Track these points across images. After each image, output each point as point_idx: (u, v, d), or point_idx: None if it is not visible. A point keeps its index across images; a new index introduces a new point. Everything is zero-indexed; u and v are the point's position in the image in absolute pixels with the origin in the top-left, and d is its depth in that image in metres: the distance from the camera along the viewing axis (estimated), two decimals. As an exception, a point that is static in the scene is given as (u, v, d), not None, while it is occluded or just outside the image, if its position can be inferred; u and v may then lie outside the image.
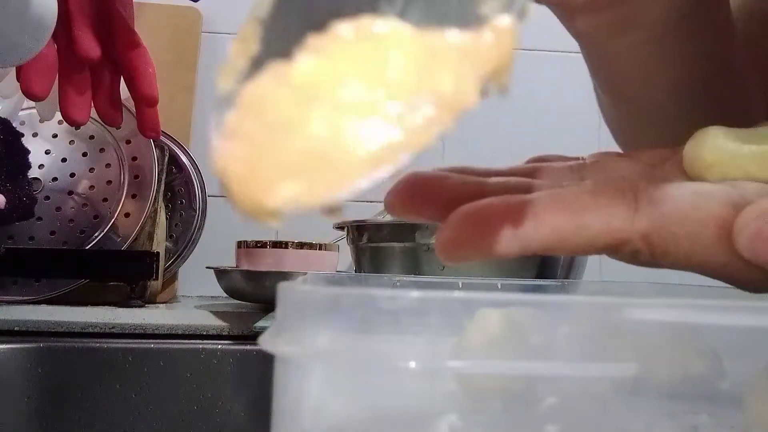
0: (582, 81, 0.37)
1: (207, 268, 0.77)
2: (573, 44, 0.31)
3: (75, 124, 0.61)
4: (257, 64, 0.18)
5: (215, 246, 0.88)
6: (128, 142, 0.82)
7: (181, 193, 0.89)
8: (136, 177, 0.80)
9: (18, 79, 0.58)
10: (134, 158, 0.81)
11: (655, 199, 0.18)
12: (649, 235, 0.18)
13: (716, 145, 0.23)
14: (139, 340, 0.58)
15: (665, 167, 0.23)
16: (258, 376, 0.58)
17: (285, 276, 0.68)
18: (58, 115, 0.61)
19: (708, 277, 0.19)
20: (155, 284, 0.79)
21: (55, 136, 0.82)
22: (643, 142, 0.36)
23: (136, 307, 0.74)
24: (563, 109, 1.04)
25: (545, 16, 0.30)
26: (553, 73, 1.05)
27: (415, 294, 0.19)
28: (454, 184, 0.21)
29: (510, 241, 0.18)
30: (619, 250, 0.19)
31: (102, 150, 0.82)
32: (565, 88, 0.99)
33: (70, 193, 0.79)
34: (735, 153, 0.23)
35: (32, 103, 0.67)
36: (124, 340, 0.57)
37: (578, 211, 0.18)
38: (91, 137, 0.82)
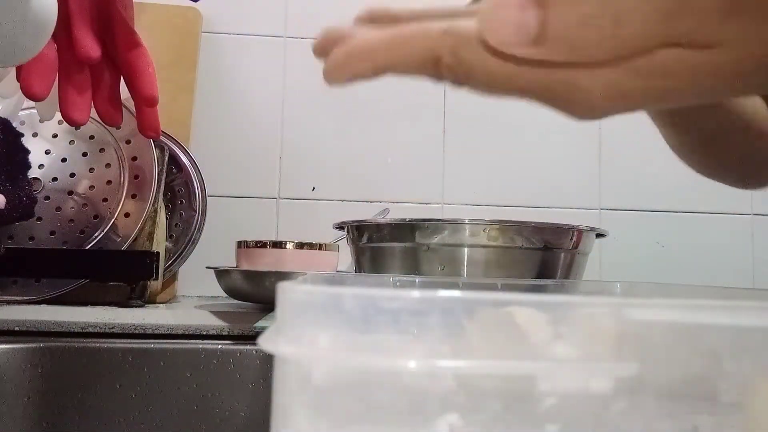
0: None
1: (207, 268, 0.77)
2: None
3: (75, 124, 0.61)
4: None
5: (215, 246, 0.88)
6: (128, 142, 0.82)
7: (181, 193, 0.89)
8: (136, 177, 0.80)
9: (18, 79, 0.58)
10: (134, 158, 0.81)
11: (455, 27, 0.25)
12: (454, 51, 0.25)
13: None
14: (139, 340, 0.58)
15: None
16: (258, 376, 0.58)
17: (285, 276, 0.68)
18: (58, 115, 0.61)
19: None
20: (155, 284, 0.79)
21: (55, 136, 0.82)
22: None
23: (136, 307, 0.74)
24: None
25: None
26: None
27: (415, 294, 0.19)
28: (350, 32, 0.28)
29: (373, 64, 0.26)
30: (438, 65, 0.25)
31: (102, 150, 0.82)
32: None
33: (70, 193, 0.79)
34: None
35: (32, 103, 0.67)
36: (124, 340, 0.57)
37: (408, 42, 0.26)
38: (91, 137, 0.82)
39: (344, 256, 0.83)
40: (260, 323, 0.61)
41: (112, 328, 0.58)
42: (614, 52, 0.23)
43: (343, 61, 0.27)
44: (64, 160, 0.81)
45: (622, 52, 0.23)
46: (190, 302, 0.85)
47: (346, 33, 0.28)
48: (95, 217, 0.78)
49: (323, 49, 0.29)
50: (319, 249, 0.77)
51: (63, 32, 0.58)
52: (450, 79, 0.26)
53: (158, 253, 0.76)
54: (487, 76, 0.25)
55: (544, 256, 0.69)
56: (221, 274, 0.74)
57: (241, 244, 0.77)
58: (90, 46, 0.59)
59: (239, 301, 0.77)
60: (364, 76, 0.27)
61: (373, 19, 0.29)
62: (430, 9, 0.29)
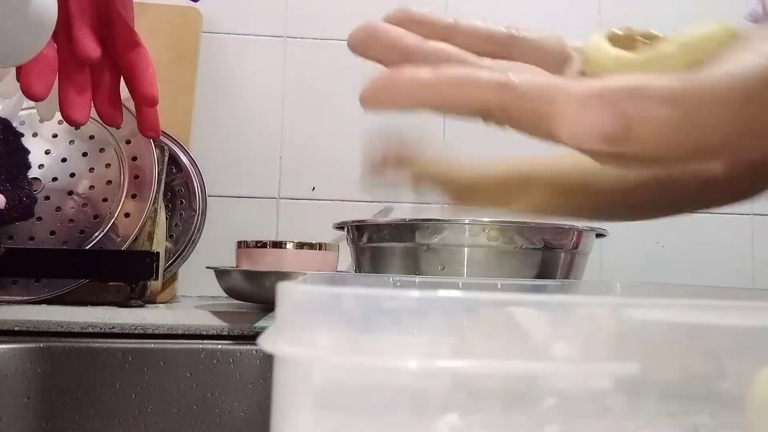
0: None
1: (207, 268, 0.77)
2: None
3: (75, 124, 0.61)
4: None
5: (215, 246, 0.88)
6: (128, 142, 0.82)
7: (181, 193, 0.89)
8: (136, 177, 0.80)
9: (18, 79, 0.58)
10: (134, 158, 0.81)
11: (521, 82, 0.24)
12: (510, 106, 0.24)
13: (595, 44, 0.28)
14: (139, 340, 0.58)
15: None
16: (258, 376, 0.58)
17: (285, 276, 0.68)
18: (58, 115, 0.61)
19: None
20: (155, 284, 0.79)
21: (55, 136, 0.82)
22: None
23: (136, 307, 0.74)
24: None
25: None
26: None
27: (415, 294, 0.19)
28: (397, 37, 0.28)
29: (413, 101, 0.25)
30: (489, 114, 0.25)
31: (102, 150, 0.82)
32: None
33: (70, 193, 0.79)
34: (628, 63, 0.27)
35: (32, 103, 0.67)
36: (124, 340, 0.57)
37: (461, 86, 0.24)
38: (91, 137, 0.82)
39: (344, 256, 0.83)
40: (260, 323, 0.61)
41: (112, 328, 0.58)
42: (685, 155, 0.24)
43: (387, 92, 0.25)
44: (64, 160, 0.81)
45: (694, 155, 0.24)
46: (190, 302, 0.85)
47: (392, 38, 0.28)
48: (95, 217, 0.78)
49: (365, 46, 0.28)
50: (319, 249, 0.77)
51: (63, 32, 0.58)
52: (494, 125, 0.26)
53: (158, 253, 0.76)
54: (534, 134, 0.25)
55: (544, 256, 0.69)
56: (221, 274, 0.74)
57: (241, 244, 0.77)
58: (90, 46, 0.59)
59: (239, 301, 0.77)
60: (404, 109, 0.26)
61: (409, 20, 0.29)
62: (470, 28, 0.29)
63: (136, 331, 0.58)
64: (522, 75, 0.24)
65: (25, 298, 0.75)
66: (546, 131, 0.24)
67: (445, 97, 0.25)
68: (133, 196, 0.79)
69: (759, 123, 0.23)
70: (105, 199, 0.79)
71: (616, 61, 0.27)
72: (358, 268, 0.76)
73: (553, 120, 0.23)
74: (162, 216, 0.81)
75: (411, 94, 0.25)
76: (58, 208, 0.78)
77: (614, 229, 0.86)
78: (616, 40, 0.28)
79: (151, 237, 0.79)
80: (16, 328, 0.57)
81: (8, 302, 0.73)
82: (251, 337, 0.59)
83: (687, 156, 0.24)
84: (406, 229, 0.69)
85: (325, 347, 0.19)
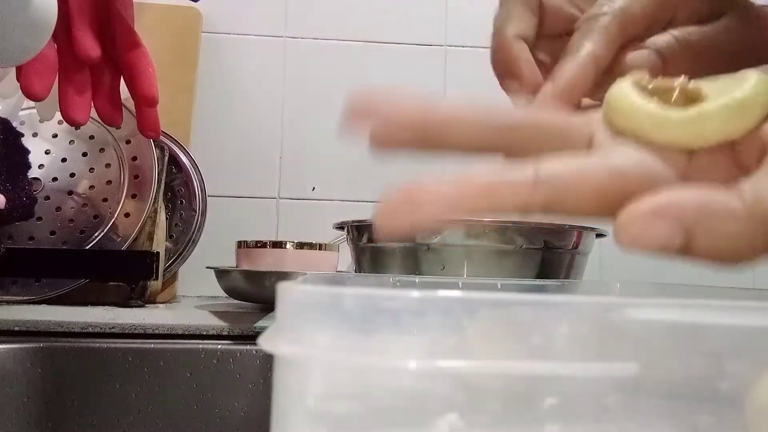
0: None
1: (207, 268, 0.77)
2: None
3: (75, 124, 0.61)
4: None
5: (215, 246, 0.88)
6: (128, 142, 0.82)
7: (181, 193, 0.89)
8: (136, 177, 0.80)
9: (18, 79, 0.58)
10: (134, 158, 0.81)
11: (550, 175, 0.22)
12: (545, 203, 0.22)
13: (624, 97, 0.24)
14: (139, 340, 0.58)
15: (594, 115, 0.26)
16: (258, 376, 0.58)
17: (285, 276, 0.68)
18: (58, 115, 0.61)
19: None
20: (155, 284, 0.79)
21: (55, 136, 0.82)
22: None
23: (136, 307, 0.74)
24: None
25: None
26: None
27: (415, 294, 0.19)
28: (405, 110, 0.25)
29: (440, 216, 0.22)
30: (527, 213, 0.22)
31: (102, 150, 0.82)
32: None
33: (70, 193, 0.79)
34: (636, 111, 0.24)
35: (32, 103, 0.67)
36: (124, 340, 0.57)
37: (487, 194, 0.22)
38: (91, 137, 0.82)
39: (344, 256, 0.83)
40: (260, 323, 0.61)
41: (112, 328, 0.58)
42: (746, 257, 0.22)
43: (406, 215, 0.22)
44: (64, 160, 0.81)
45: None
46: (190, 302, 0.85)
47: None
48: (95, 217, 0.78)
49: (358, 115, 0.25)
50: (319, 249, 0.77)
51: (63, 32, 0.58)
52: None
53: (158, 253, 0.76)
54: (580, 217, 0.23)
55: (544, 256, 0.69)
56: (221, 274, 0.74)
57: (241, 244, 0.77)
58: (90, 46, 0.59)
59: (239, 301, 0.77)
60: (430, 227, 0.24)
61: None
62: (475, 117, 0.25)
63: (136, 331, 0.58)
64: (557, 166, 0.22)
65: (25, 298, 0.75)
66: (596, 221, 0.22)
67: (476, 208, 0.22)
68: (133, 196, 0.79)
69: None
70: (105, 199, 0.79)
71: (649, 118, 0.23)
72: (358, 268, 0.76)
73: (618, 233, 0.21)
74: (162, 216, 0.81)
75: (435, 212, 0.22)
76: (58, 208, 0.78)
77: (614, 229, 0.86)
78: (643, 87, 0.25)
79: (151, 237, 0.79)
80: (16, 328, 0.57)
81: (8, 302, 0.73)
82: (251, 337, 0.59)
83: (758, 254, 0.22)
84: (406, 229, 0.69)
85: (325, 347, 0.19)
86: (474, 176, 0.22)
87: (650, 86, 0.24)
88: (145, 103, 0.63)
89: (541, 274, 0.68)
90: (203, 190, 0.89)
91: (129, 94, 0.63)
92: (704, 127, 0.23)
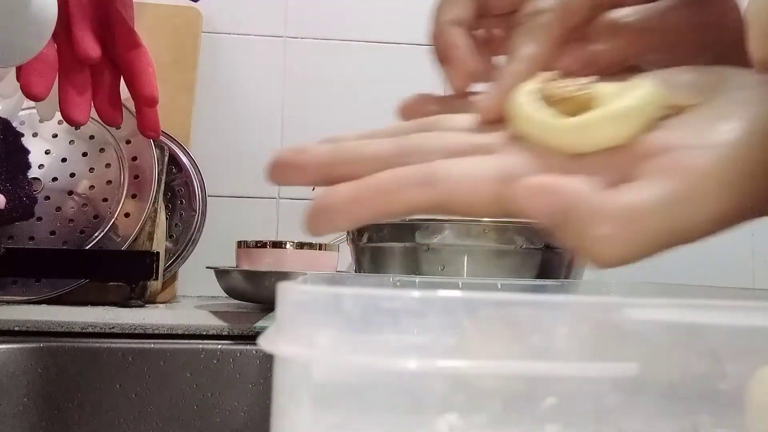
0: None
1: (207, 268, 0.77)
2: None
3: (75, 124, 0.61)
4: None
5: (215, 246, 0.88)
6: (128, 142, 0.82)
7: (181, 193, 0.89)
8: (136, 177, 0.80)
9: (18, 79, 0.58)
10: (134, 158, 0.81)
11: (441, 176, 0.23)
12: (437, 203, 0.23)
13: (518, 107, 0.26)
14: (139, 340, 0.58)
15: (490, 133, 0.27)
16: (258, 376, 0.58)
17: (285, 276, 0.68)
18: (58, 115, 0.61)
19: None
20: (155, 284, 0.79)
21: (55, 136, 0.82)
22: None
23: (136, 307, 0.74)
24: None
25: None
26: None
27: (415, 294, 0.19)
28: (310, 159, 0.26)
29: (347, 221, 0.24)
30: (423, 212, 0.24)
31: (102, 150, 0.82)
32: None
33: (70, 193, 0.79)
34: (528, 119, 0.25)
35: (32, 103, 0.67)
36: (124, 340, 0.57)
37: (382, 195, 0.24)
38: (91, 137, 0.82)
39: (344, 256, 0.83)
40: (260, 323, 0.61)
41: (112, 328, 0.58)
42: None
43: (324, 218, 0.25)
44: (64, 160, 0.81)
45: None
46: (190, 302, 0.85)
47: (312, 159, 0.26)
48: (95, 217, 0.78)
49: (281, 174, 0.27)
50: (319, 249, 0.77)
51: (63, 32, 0.58)
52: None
53: (158, 253, 0.76)
54: (473, 216, 0.24)
55: (544, 256, 0.69)
56: (221, 274, 0.74)
57: (241, 244, 0.77)
58: (90, 46, 0.59)
59: (239, 301, 0.77)
60: (348, 228, 0.26)
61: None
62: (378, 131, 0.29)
63: (136, 331, 0.58)
64: (449, 167, 0.24)
65: (25, 298, 0.75)
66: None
67: (376, 211, 0.24)
68: (133, 196, 0.79)
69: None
70: (105, 199, 0.79)
71: (537, 126, 0.25)
72: (358, 268, 0.76)
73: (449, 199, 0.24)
74: (162, 216, 0.81)
75: (341, 217, 0.24)
76: (58, 208, 0.78)
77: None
78: (541, 94, 0.26)
79: (151, 237, 0.79)
80: (16, 328, 0.57)
81: (8, 302, 0.73)
82: (251, 337, 0.59)
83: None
84: (406, 229, 0.69)
85: (325, 347, 0.19)
86: (371, 180, 0.24)
87: (546, 93, 0.26)
88: (145, 103, 0.63)
89: (541, 274, 0.68)
90: (203, 190, 0.89)
91: (129, 94, 0.63)
92: (587, 135, 0.24)
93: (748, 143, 0.22)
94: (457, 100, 0.31)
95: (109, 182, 0.80)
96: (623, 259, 0.21)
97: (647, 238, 0.21)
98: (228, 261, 0.80)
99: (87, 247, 0.76)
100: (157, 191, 0.80)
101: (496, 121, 0.27)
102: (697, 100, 0.25)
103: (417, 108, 0.31)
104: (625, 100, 0.24)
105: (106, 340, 0.57)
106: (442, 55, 0.32)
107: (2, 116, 0.72)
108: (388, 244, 0.71)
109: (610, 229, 0.20)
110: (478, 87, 0.31)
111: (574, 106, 0.25)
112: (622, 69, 0.31)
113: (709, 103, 0.24)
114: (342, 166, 0.26)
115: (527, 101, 0.26)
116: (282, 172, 0.26)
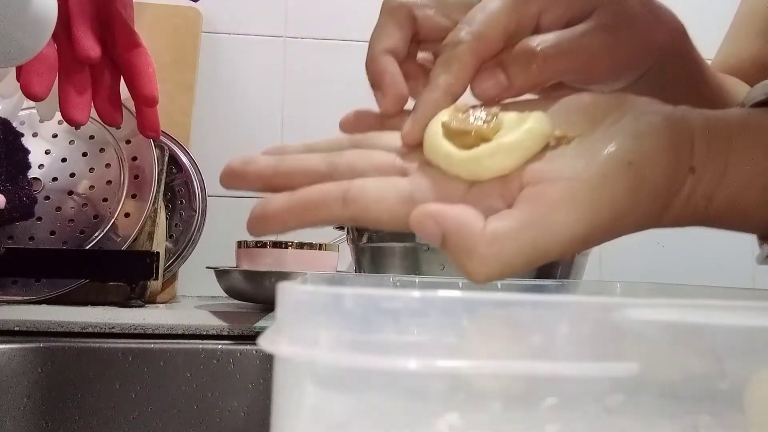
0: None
1: (207, 268, 0.77)
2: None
3: (75, 124, 0.61)
4: None
5: (215, 246, 0.88)
6: (128, 142, 0.82)
7: (181, 193, 0.89)
8: (136, 177, 0.80)
9: (18, 79, 0.58)
10: (134, 158, 0.81)
11: (357, 195, 0.27)
12: (353, 218, 0.27)
13: (429, 136, 0.29)
14: (139, 340, 0.58)
15: (411, 155, 0.30)
16: (258, 376, 0.58)
17: (285, 276, 0.68)
18: (58, 115, 0.61)
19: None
20: (155, 284, 0.79)
21: (55, 136, 0.82)
22: None
23: (136, 307, 0.74)
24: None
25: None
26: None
27: (415, 294, 0.19)
28: (256, 169, 0.30)
29: (279, 227, 0.28)
30: (343, 224, 0.28)
31: (102, 150, 0.82)
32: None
33: (70, 193, 0.79)
34: (436, 148, 0.28)
35: (32, 103, 0.67)
36: (124, 340, 0.57)
37: (308, 208, 0.27)
38: (91, 137, 0.82)
39: (344, 256, 0.83)
40: (260, 323, 0.61)
41: (112, 328, 0.58)
42: None
43: (261, 222, 0.29)
44: (64, 160, 0.81)
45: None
46: (190, 302, 0.85)
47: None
48: (95, 217, 0.78)
49: (230, 181, 0.30)
50: (319, 249, 0.77)
51: (63, 32, 0.58)
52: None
53: (158, 253, 0.76)
54: (379, 227, 0.28)
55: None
56: (221, 274, 0.74)
57: (241, 244, 0.77)
58: (90, 46, 0.59)
59: (239, 301, 0.77)
60: (282, 232, 0.29)
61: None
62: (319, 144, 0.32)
63: (136, 331, 0.58)
64: (365, 187, 0.27)
65: (25, 298, 0.75)
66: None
67: (302, 220, 0.28)
68: (133, 196, 0.79)
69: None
70: (105, 199, 0.79)
71: (442, 156, 0.28)
72: (358, 268, 0.76)
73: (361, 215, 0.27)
74: (162, 216, 0.81)
75: (279, 224, 0.28)
76: (58, 208, 0.78)
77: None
78: (451, 125, 0.29)
79: (151, 237, 0.79)
80: (16, 328, 0.57)
81: (8, 302, 0.73)
82: (251, 337, 0.59)
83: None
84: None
85: (325, 347, 0.19)
86: (301, 194, 0.28)
87: (454, 124, 0.29)
88: (145, 103, 0.63)
89: (541, 274, 0.68)
90: (203, 190, 0.89)
91: (129, 94, 0.63)
92: (481, 165, 0.27)
93: (591, 182, 0.25)
94: (391, 118, 0.33)
95: (109, 182, 0.80)
96: (491, 276, 0.24)
97: (511, 258, 0.24)
98: (228, 261, 0.80)
99: (87, 247, 0.76)
100: (157, 191, 0.80)
101: (417, 145, 0.30)
102: (582, 131, 0.27)
103: (356, 122, 0.35)
104: (512, 134, 0.27)
105: (106, 340, 0.57)
106: (373, 81, 0.34)
107: (2, 116, 0.72)
108: (388, 244, 0.71)
109: (480, 251, 0.24)
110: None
111: (477, 137, 0.28)
112: (547, 87, 0.33)
113: (589, 136, 0.27)
114: (281, 178, 0.29)
115: (437, 131, 0.29)
116: (230, 178, 0.29)
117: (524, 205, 0.25)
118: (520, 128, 0.27)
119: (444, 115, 0.29)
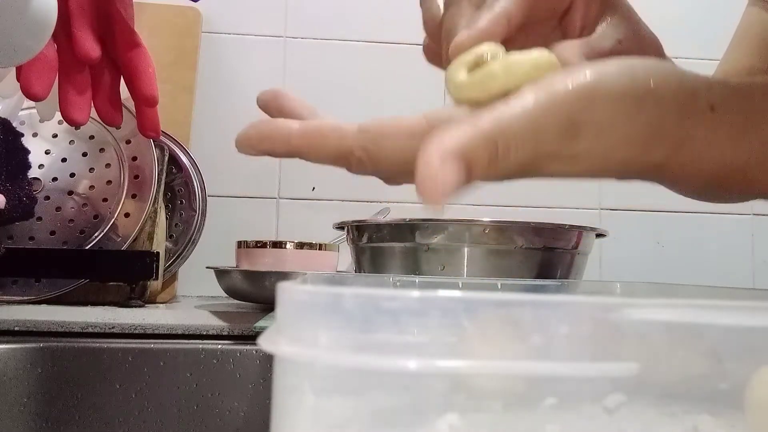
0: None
1: (207, 268, 0.77)
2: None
3: (75, 124, 0.61)
4: None
5: (215, 246, 0.88)
6: (128, 142, 0.82)
7: (181, 193, 0.89)
8: (136, 177, 0.80)
9: (18, 79, 0.58)
10: (134, 158, 0.81)
11: (369, 126, 0.29)
12: (365, 147, 0.29)
13: (450, 77, 0.30)
14: (139, 340, 0.58)
15: None
16: (258, 376, 0.58)
17: (285, 276, 0.68)
18: (58, 115, 0.61)
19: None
20: (155, 284, 0.79)
21: (55, 136, 0.82)
22: None
23: (136, 307, 0.74)
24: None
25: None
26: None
27: (415, 294, 0.19)
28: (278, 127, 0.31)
29: (279, 148, 0.30)
30: (348, 157, 0.30)
31: (102, 150, 0.82)
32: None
33: (70, 193, 0.79)
34: (451, 81, 0.30)
35: (32, 103, 0.67)
36: (124, 340, 0.57)
37: (324, 135, 0.29)
38: (91, 137, 0.82)
39: (344, 256, 0.83)
40: (260, 323, 0.61)
41: (112, 328, 0.58)
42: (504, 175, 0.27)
43: (257, 137, 0.30)
44: (64, 160, 0.81)
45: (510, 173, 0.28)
46: (190, 302, 0.85)
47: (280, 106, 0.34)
48: (95, 217, 0.78)
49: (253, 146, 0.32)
50: (319, 249, 0.77)
51: (63, 32, 0.58)
52: (358, 169, 0.30)
53: (158, 253, 0.76)
54: (395, 167, 0.30)
55: (544, 256, 0.69)
56: (221, 274, 0.74)
57: (241, 244, 0.77)
58: (90, 46, 0.59)
59: (239, 301, 0.77)
60: (275, 155, 0.31)
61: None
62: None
63: (136, 331, 0.58)
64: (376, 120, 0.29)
65: (25, 298, 0.75)
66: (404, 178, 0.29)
67: (315, 145, 0.29)
68: (133, 196, 0.79)
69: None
70: (105, 199, 0.79)
71: (455, 85, 0.30)
72: (358, 268, 0.76)
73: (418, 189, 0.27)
74: (162, 216, 0.81)
75: (284, 141, 0.29)
76: (58, 208, 0.78)
77: (614, 229, 0.86)
78: (466, 62, 0.30)
79: (151, 237, 0.79)
80: (16, 328, 0.57)
81: (8, 302, 0.73)
82: (251, 337, 0.59)
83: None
84: (406, 229, 0.69)
85: (325, 347, 0.19)
86: (316, 121, 0.29)
87: (469, 59, 0.30)
88: (145, 103, 0.63)
89: (541, 274, 0.68)
90: (203, 190, 0.89)
91: (129, 94, 0.63)
92: (482, 85, 0.29)
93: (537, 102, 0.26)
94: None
95: (109, 182, 0.80)
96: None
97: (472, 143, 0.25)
98: (228, 261, 0.80)
99: (87, 247, 0.76)
100: (157, 191, 0.80)
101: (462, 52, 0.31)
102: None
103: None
104: (515, 57, 0.29)
105: (106, 340, 0.57)
106: (425, 27, 0.37)
107: (2, 116, 0.72)
108: (388, 244, 0.71)
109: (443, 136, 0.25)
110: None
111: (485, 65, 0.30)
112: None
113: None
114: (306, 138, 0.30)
115: (456, 68, 0.30)
116: (257, 141, 0.31)
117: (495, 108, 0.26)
118: (524, 56, 0.29)
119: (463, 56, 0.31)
